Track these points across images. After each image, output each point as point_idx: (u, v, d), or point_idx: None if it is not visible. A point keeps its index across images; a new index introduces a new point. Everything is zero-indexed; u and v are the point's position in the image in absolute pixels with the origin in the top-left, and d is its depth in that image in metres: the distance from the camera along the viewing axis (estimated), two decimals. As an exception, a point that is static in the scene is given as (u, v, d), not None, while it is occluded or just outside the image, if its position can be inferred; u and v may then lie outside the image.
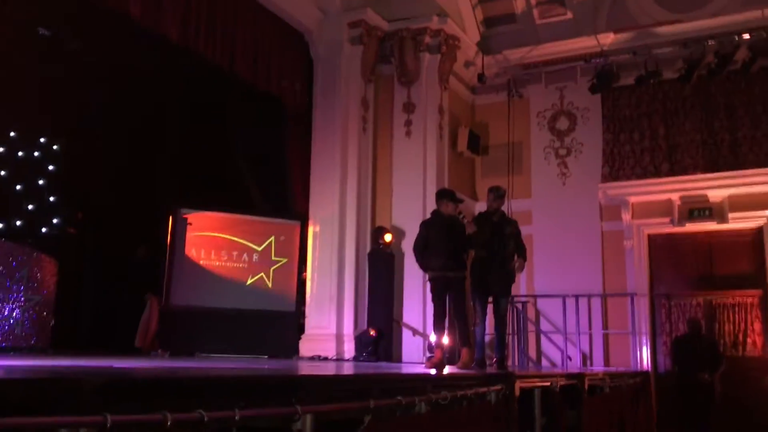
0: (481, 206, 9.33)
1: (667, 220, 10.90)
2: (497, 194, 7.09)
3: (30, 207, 9.31)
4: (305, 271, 10.40)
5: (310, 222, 10.48)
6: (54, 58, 8.99)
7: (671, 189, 10.81)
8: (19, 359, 5.22)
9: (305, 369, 5.16)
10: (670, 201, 10.85)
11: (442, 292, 6.68)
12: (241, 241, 9.99)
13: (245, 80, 9.68)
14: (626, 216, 11.09)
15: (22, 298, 8.58)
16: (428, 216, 7.26)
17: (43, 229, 9.38)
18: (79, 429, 2.09)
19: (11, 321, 8.42)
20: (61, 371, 3.34)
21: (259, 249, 10.09)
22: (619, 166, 11.30)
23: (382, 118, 11.01)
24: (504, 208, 7.49)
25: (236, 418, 2.45)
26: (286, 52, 10.44)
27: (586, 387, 6.49)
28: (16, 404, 1.97)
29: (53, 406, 2.05)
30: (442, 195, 6.97)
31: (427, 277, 7.13)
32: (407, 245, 9.56)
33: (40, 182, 9.51)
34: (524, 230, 11.26)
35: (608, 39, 11.27)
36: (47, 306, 8.87)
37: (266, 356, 9.50)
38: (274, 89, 10.16)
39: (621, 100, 11.45)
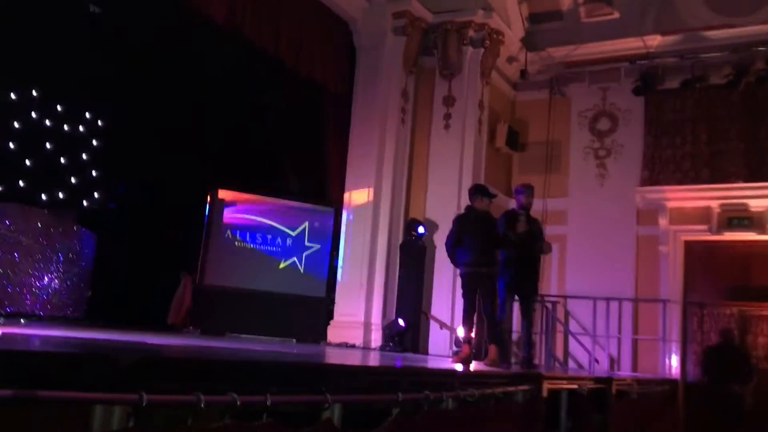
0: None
1: (704, 227, 10.72)
2: (530, 192, 7.11)
3: (73, 180, 9.50)
4: (337, 258, 10.47)
5: (345, 210, 10.54)
6: (102, 37, 9.13)
7: (711, 196, 10.63)
8: (53, 329, 5.35)
9: (335, 357, 5.21)
10: (709, 208, 10.67)
11: (473, 287, 6.68)
12: (275, 225, 10.08)
13: (288, 66, 9.73)
14: (663, 221, 10.94)
15: (61, 269, 8.80)
16: (462, 211, 7.26)
17: (85, 203, 9.57)
18: (113, 405, 2.14)
19: (49, 291, 8.65)
20: (97, 346, 3.42)
21: (293, 234, 10.17)
22: (658, 170, 11.13)
23: (422, 110, 10.98)
24: (540, 206, 7.52)
25: (268, 403, 2.49)
26: (329, 40, 10.47)
27: (614, 392, 6.45)
28: (51, 377, 2.00)
29: (87, 381, 2.09)
30: (476, 190, 6.96)
31: (458, 271, 7.13)
32: (440, 238, 9.56)
33: (84, 156, 9.69)
34: (559, 230, 11.35)
35: (655, 41, 11.09)
36: (84, 278, 9.08)
37: (294, 340, 9.60)
38: (316, 76, 10.20)
39: (665, 103, 11.26)
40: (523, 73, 11.53)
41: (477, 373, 4.66)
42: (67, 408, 2.06)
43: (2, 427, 1.90)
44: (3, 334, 4.05)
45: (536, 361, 10.15)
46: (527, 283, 6.95)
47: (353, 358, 5.33)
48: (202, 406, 2.25)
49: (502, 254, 6.96)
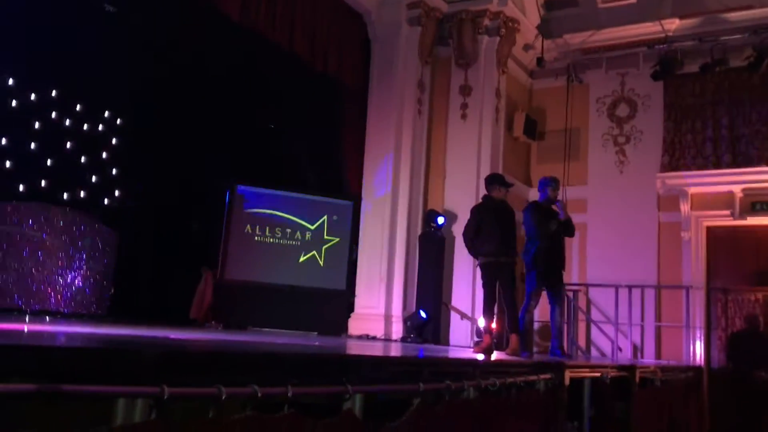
0: (535, 192, 9.22)
1: (727, 212, 10.59)
2: (557, 185, 7.16)
3: (93, 179, 9.59)
4: (356, 251, 10.49)
5: (363, 202, 10.55)
6: (118, 35, 9.20)
7: (733, 181, 10.49)
8: (78, 326, 5.42)
9: (356, 348, 5.22)
10: (731, 193, 10.54)
11: (493, 277, 6.67)
12: (294, 219, 10.12)
13: (303, 60, 9.74)
14: (685, 207, 10.82)
15: (84, 267, 8.91)
16: (480, 200, 7.25)
17: (105, 201, 9.67)
18: (136, 399, 2.17)
19: (73, 288, 8.75)
20: (120, 341, 3.46)
21: (312, 228, 10.21)
22: (679, 155, 11.00)
23: (438, 100, 10.95)
24: (559, 194, 7.56)
25: (289, 394, 2.50)
26: (344, 33, 10.46)
27: (637, 379, 6.41)
28: (76, 372, 2.04)
29: (111, 376, 2.12)
30: (493, 180, 6.96)
31: (477, 261, 7.12)
32: (459, 229, 9.54)
33: (104, 155, 9.78)
34: (579, 218, 11.23)
35: (673, 25, 10.94)
36: (107, 275, 9.18)
37: (316, 333, 9.65)
38: (331, 69, 10.20)
39: (684, 88, 11.12)
40: (540, 60, 11.43)
41: (498, 363, 4.66)
42: (91, 402, 2.09)
43: (29, 421, 1.94)
44: (29, 330, 4.10)
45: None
46: (557, 274, 6.99)
47: (374, 350, 5.34)
48: (223, 398, 2.27)
49: (534, 246, 6.97)
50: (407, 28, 10.67)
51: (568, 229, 7.22)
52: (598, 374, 5.67)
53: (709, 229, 10.88)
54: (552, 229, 6.94)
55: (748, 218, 10.43)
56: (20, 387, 1.81)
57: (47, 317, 7.54)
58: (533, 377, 4.45)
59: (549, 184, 7.24)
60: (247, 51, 10.19)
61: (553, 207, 7.25)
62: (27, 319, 6.23)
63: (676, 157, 11.02)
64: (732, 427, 9.30)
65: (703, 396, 10.12)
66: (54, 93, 9.24)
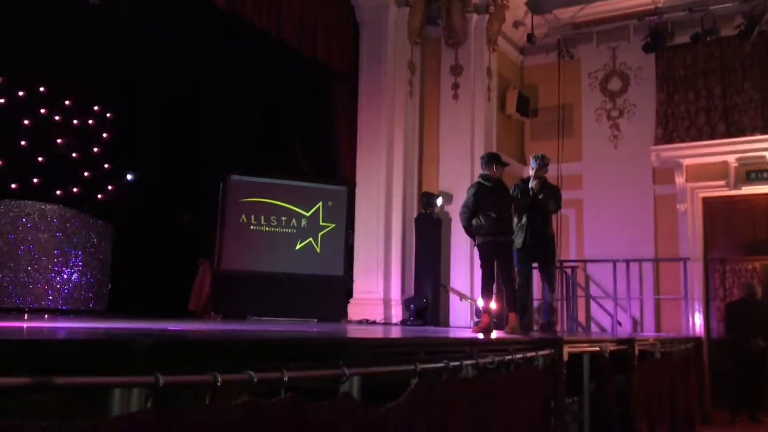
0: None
1: (722, 183, 10.59)
2: (542, 163, 7.08)
3: (86, 174, 9.56)
4: (353, 236, 10.48)
5: (358, 187, 10.52)
6: (103, 28, 9.13)
7: (728, 151, 10.47)
8: (78, 321, 5.41)
9: (354, 333, 5.22)
10: (726, 163, 10.53)
11: (491, 256, 6.65)
12: (289, 206, 10.10)
13: (291, 46, 9.68)
14: (680, 179, 10.81)
15: (80, 263, 8.90)
16: (475, 180, 7.22)
17: (99, 196, 9.64)
18: (132, 389, 2.16)
19: (70, 285, 8.75)
20: (115, 333, 3.45)
21: (308, 214, 10.19)
22: (673, 127, 10.98)
23: (429, 81, 10.90)
24: (554, 171, 7.51)
25: (285, 379, 2.49)
26: (331, 17, 10.38)
27: (637, 353, 6.42)
28: (73, 364, 2.04)
29: (108, 367, 2.12)
30: (489, 159, 6.91)
31: (474, 242, 7.10)
32: (454, 210, 9.53)
33: (95, 150, 9.74)
34: (574, 194, 11.26)
35: (663, -4, 10.89)
36: (104, 270, 9.17)
37: (315, 320, 9.66)
38: (320, 54, 10.13)
39: (676, 59, 11.08)
40: (530, 37, 11.37)
41: (496, 341, 4.66)
42: (87, 393, 2.09)
43: (26, 413, 1.94)
44: (27, 328, 4.09)
45: (558, 328, 10.16)
46: (543, 249, 6.92)
47: (371, 333, 5.34)
48: (219, 385, 2.26)
49: (518, 224, 6.96)
50: (395, 10, 10.60)
51: (536, 205, 7.00)
52: (597, 349, 5.68)
53: (704, 200, 10.89)
54: (523, 205, 6.86)
55: (743, 188, 10.43)
56: (13, 381, 1.81)
57: (46, 315, 7.53)
58: (531, 354, 4.45)
59: (532, 161, 7.23)
60: (234, 39, 10.12)
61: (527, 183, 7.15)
62: (26, 318, 6.22)
63: (669, 129, 11.00)
64: (732, 396, 9.33)
65: (704, 366, 10.16)
66: (42, 89, 9.18)
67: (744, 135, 10.40)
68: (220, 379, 2.27)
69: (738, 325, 9.31)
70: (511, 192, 6.95)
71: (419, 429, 3.09)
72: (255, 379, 2.39)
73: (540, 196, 6.95)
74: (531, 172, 7.21)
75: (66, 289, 8.64)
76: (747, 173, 10.40)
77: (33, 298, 8.33)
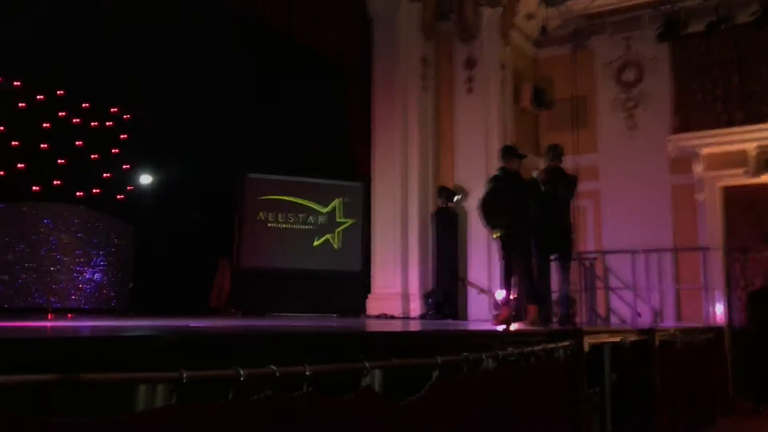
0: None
1: (741, 171, 10.49)
2: (556, 153, 7.04)
3: (105, 175, 9.65)
4: (370, 231, 10.50)
5: (374, 183, 10.54)
6: (118, 28, 9.20)
7: (747, 138, 10.38)
8: (101, 320, 5.48)
9: (373, 326, 5.25)
10: (744, 151, 10.43)
11: (510, 249, 6.65)
12: (306, 203, 10.15)
13: (303, 42, 9.71)
14: (698, 168, 10.73)
15: (102, 263, 9.00)
16: (493, 174, 7.21)
17: (119, 196, 9.73)
18: (156, 384, 2.21)
19: (93, 284, 8.85)
20: (139, 330, 3.50)
21: (325, 211, 10.23)
22: (689, 116, 10.89)
23: (443, 75, 10.89)
24: (570, 163, 7.45)
25: (307, 373, 2.52)
26: (343, 12, 10.40)
27: (657, 343, 6.40)
28: (98, 362, 2.08)
29: (133, 363, 2.16)
30: (507, 152, 6.90)
31: (493, 235, 7.09)
32: (471, 204, 9.52)
33: (114, 151, 9.83)
34: (591, 185, 11.21)
35: (677, -16, 10.79)
36: (126, 269, 9.27)
37: (335, 315, 9.70)
38: (332, 50, 10.16)
39: (691, 48, 10.98)
40: (544, 29, 11.31)
41: (516, 333, 4.66)
42: (113, 389, 2.13)
43: (55, 409, 1.99)
44: (51, 327, 4.16)
45: (577, 319, 10.12)
46: (559, 239, 6.87)
47: (391, 327, 5.37)
48: (242, 379, 2.30)
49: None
50: (407, 4, 10.60)
51: (547, 195, 6.88)
52: (618, 339, 5.67)
53: (723, 188, 10.79)
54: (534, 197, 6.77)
55: (763, 175, 10.32)
56: (42, 377, 1.87)
57: (69, 314, 7.63)
58: (552, 345, 4.46)
59: (547, 152, 7.18)
60: (247, 37, 10.17)
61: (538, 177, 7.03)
62: (50, 317, 6.31)
63: (686, 119, 10.91)
64: (755, 386, 9.26)
65: (725, 356, 10.09)
66: (60, 92, 9.28)
67: (763, 122, 10.30)
68: (243, 373, 2.30)
69: (761, 314, 9.23)
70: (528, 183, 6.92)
71: (441, 421, 3.11)
72: (278, 374, 2.43)
73: (547, 186, 6.84)
74: (551, 163, 7.15)
75: (88, 288, 8.74)
76: (766, 161, 10.30)
77: (56, 297, 8.44)
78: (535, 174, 6.86)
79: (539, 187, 6.73)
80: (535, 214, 6.72)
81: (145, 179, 10.06)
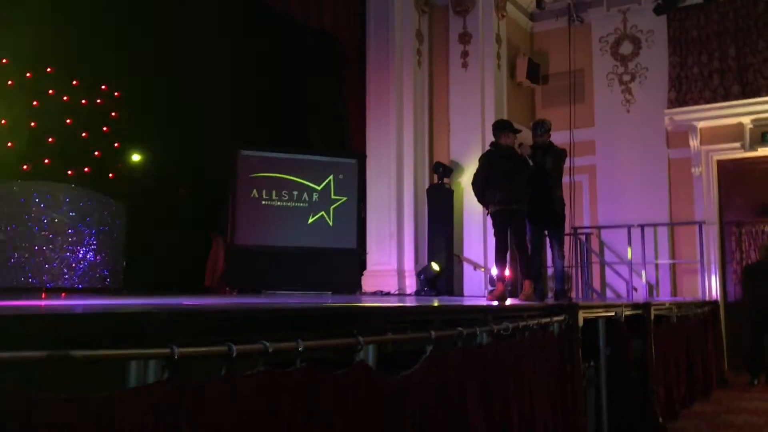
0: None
1: (737, 144, 10.47)
2: (543, 128, 6.96)
3: (96, 153, 9.56)
4: (365, 208, 10.46)
5: (369, 159, 10.48)
6: (108, 7, 9.07)
7: (742, 112, 10.34)
8: (94, 299, 5.45)
9: (366, 302, 5.23)
10: (741, 125, 10.40)
11: (504, 225, 6.59)
12: (300, 180, 10.09)
13: (298, 18, 9.59)
14: (694, 142, 10.70)
15: (95, 241, 8.95)
16: (487, 149, 7.15)
17: (110, 175, 9.66)
18: (148, 361, 2.18)
19: (86, 263, 8.81)
20: (132, 307, 3.46)
21: (319, 188, 10.17)
22: (686, 90, 10.84)
23: (438, 50, 10.80)
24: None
25: (300, 348, 2.49)
26: (338, -13, 10.26)
27: (652, 317, 6.40)
28: (91, 339, 2.05)
29: (125, 340, 2.13)
30: (502, 126, 6.82)
31: (487, 210, 7.05)
32: (466, 179, 9.48)
33: (105, 129, 9.73)
34: (587, 160, 11.18)
35: (674, -45, 10.68)
36: (118, 248, 9.23)
37: (330, 292, 9.69)
38: (327, 26, 10.04)
39: (688, 20, 10.90)
40: (539, 2, 11.21)
41: (510, 308, 4.64)
42: (104, 365, 2.10)
43: (46, 385, 1.96)
44: (45, 305, 4.12)
45: (572, 294, 10.14)
46: (549, 214, 6.80)
47: (385, 302, 5.34)
48: (234, 355, 2.26)
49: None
50: (401, -22, 10.46)
51: (545, 169, 6.83)
52: (612, 313, 5.66)
53: (719, 162, 10.78)
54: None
55: (759, 149, 10.32)
56: (31, 354, 1.84)
57: (63, 293, 7.59)
58: (546, 320, 4.44)
59: (534, 128, 7.07)
60: (240, 12, 10.05)
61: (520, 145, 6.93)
62: (43, 296, 6.28)
63: (683, 92, 10.86)
64: (750, 359, 9.31)
65: (720, 330, 10.14)
66: (49, 70, 9.16)
67: (759, 96, 10.25)
68: (235, 349, 2.27)
69: (755, 288, 9.25)
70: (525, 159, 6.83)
71: (435, 396, 3.10)
72: (270, 349, 2.39)
73: (534, 161, 6.73)
74: (538, 140, 7.04)
75: (81, 267, 8.70)
76: (763, 134, 10.28)
77: (49, 276, 8.40)
78: (519, 149, 6.74)
79: (528, 163, 6.65)
80: (532, 188, 6.65)
81: (137, 157, 9.98)
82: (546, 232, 6.99)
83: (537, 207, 6.68)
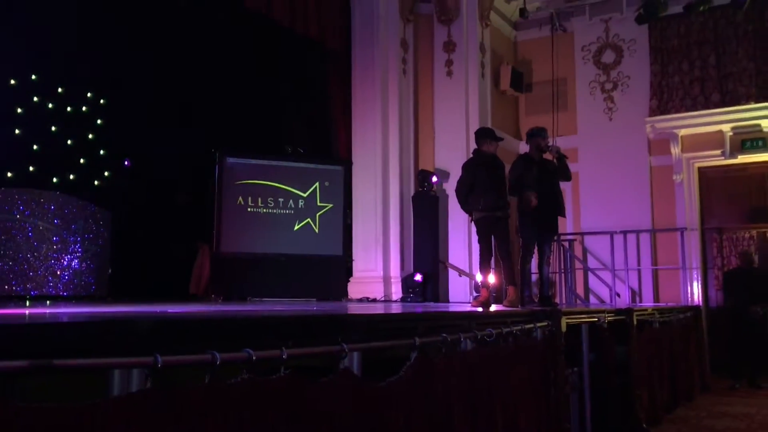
0: (525, 145, 9.19)
1: (718, 152, 10.61)
2: (545, 135, 7.02)
3: (81, 161, 9.52)
4: (351, 215, 10.49)
5: (354, 166, 10.52)
6: (94, 11, 9.05)
7: (722, 120, 10.50)
8: (80, 307, 5.43)
9: (352, 309, 5.25)
10: (721, 133, 10.55)
11: (488, 231, 6.64)
12: (286, 187, 10.09)
13: (283, 25, 9.61)
14: (675, 150, 10.84)
15: (80, 249, 8.91)
16: (470, 156, 7.20)
17: (96, 182, 9.61)
18: (131, 370, 2.19)
19: (70, 271, 8.76)
20: (116, 316, 3.47)
21: (305, 195, 10.18)
22: (667, 98, 10.98)
23: (423, 58, 10.86)
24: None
25: (284, 356, 2.51)
26: (323, -5, 10.31)
27: (635, 322, 6.47)
28: (75, 348, 2.06)
29: (109, 349, 2.15)
30: (484, 134, 6.88)
31: (471, 217, 7.10)
32: (451, 187, 9.53)
33: (90, 136, 9.69)
34: (570, 168, 11.19)
35: (655, -35, 10.82)
36: (104, 256, 9.18)
37: (316, 299, 9.69)
38: (312, 33, 10.08)
39: (669, 29, 11.05)
40: (523, 11, 11.32)
41: (494, 314, 4.69)
42: (87, 374, 2.11)
43: (27, 396, 1.97)
44: (30, 314, 4.11)
45: (556, 300, 10.20)
46: (548, 224, 6.85)
47: (370, 309, 5.37)
48: (218, 363, 2.28)
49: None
50: (386, -14, 10.52)
51: (552, 178, 6.96)
52: (595, 319, 5.72)
53: (700, 170, 10.92)
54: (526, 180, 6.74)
55: (739, 156, 10.46)
56: (13, 364, 1.84)
57: (48, 301, 7.55)
58: (530, 326, 4.49)
59: (533, 135, 7.11)
60: (225, 20, 10.06)
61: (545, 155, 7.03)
62: (27, 304, 6.25)
63: (664, 100, 11.00)
64: (731, 364, 9.41)
65: (703, 335, 10.24)
66: (33, 77, 9.12)
67: (739, 104, 10.41)
68: (219, 358, 2.29)
69: (736, 293, 9.36)
70: (505, 167, 6.91)
71: (420, 402, 3.13)
72: (254, 358, 2.41)
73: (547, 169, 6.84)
74: (539, 144, 7.02)
75: (66, 275, 8.65)
76: (742, 142, 10.42)
77: (34, 285, 8.34)
78: (550, 150, 6.83)
79: (550, 166, 6.80)
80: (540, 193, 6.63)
81: (122, 165, 9.95)
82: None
83: (546, 207, 6.67)
